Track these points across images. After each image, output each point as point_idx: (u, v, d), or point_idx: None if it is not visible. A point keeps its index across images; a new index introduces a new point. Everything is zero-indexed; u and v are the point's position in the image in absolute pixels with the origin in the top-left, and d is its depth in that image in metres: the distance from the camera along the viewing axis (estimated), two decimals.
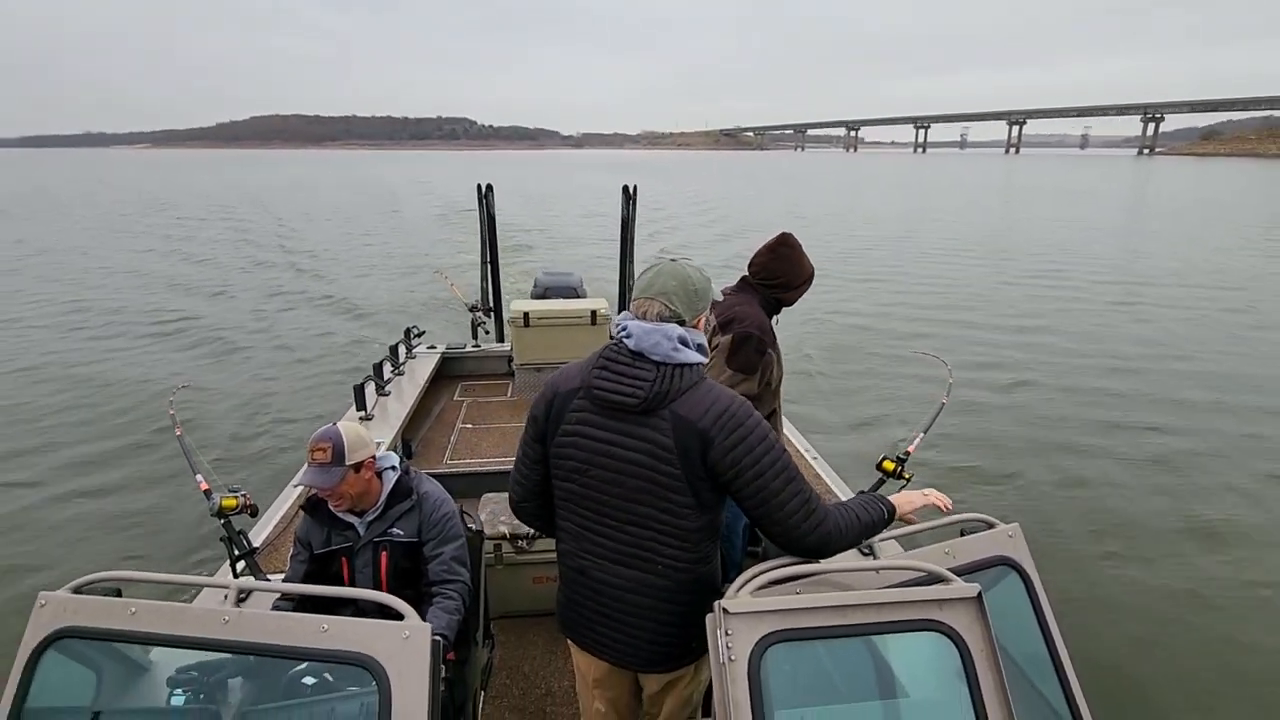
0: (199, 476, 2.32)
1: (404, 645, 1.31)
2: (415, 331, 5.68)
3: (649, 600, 1.60)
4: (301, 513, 2.22)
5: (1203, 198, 42.16)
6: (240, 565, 2.27)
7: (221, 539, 2.25)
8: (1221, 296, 13.47)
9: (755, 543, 2.69)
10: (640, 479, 1.54)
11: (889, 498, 1.69)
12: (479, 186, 6.05)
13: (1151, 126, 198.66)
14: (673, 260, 1.63)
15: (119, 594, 1.46)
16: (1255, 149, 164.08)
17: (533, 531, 3.00)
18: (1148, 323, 11.56)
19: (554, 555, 3.01)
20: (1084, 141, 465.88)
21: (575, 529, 1.67)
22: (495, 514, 3.11)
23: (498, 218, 6.22)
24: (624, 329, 1.57)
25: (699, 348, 1.56)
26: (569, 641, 1.80)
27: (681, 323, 1.56)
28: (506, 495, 3.25)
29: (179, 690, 1.52)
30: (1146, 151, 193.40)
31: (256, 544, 2.45)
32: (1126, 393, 8.06)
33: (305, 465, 2.06)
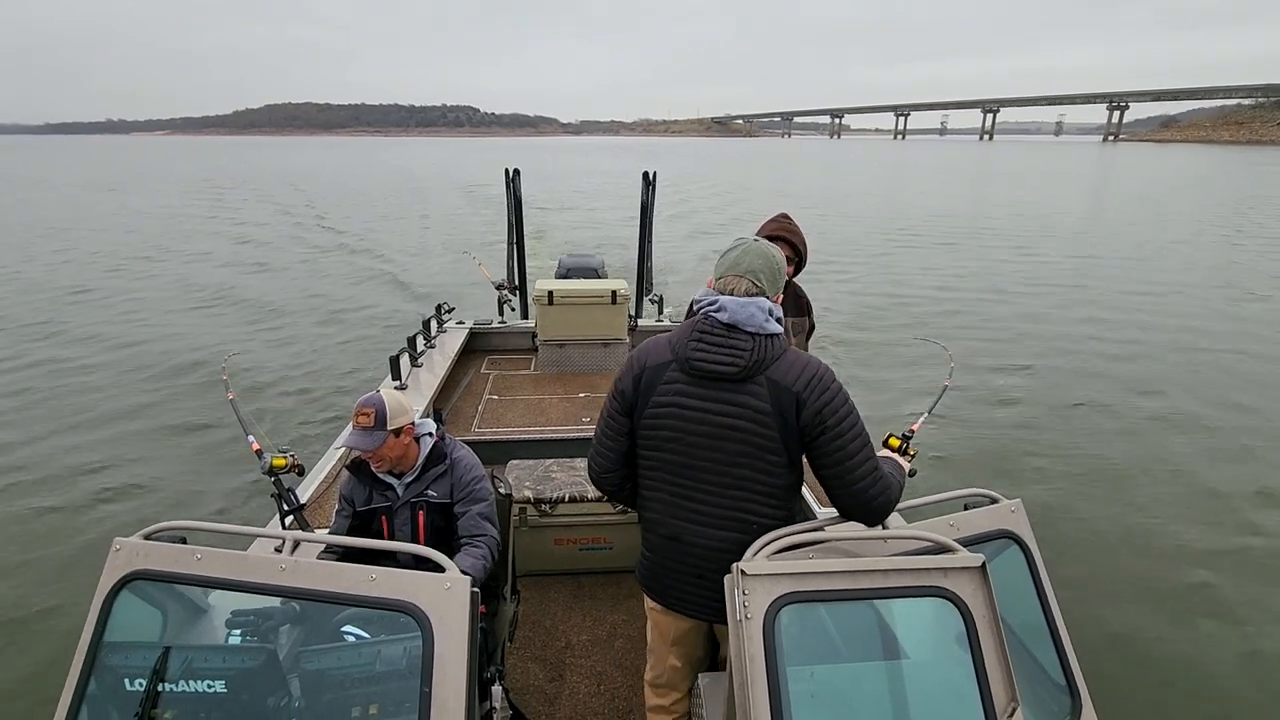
0: (250, 437, 2.31)
1: (446, 595, 1.31)
2: (445, 308, 5.67)
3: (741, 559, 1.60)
4: (345, 471, 2.22)
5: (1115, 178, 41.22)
6: (289, 519, 2.28)
7: (272, 495, 2.26)
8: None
9: None
10: (739, 443, 1.54)
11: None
12: (506, 171, 5.93)
13: (1117, 114, 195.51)
14: (755, 240, 1.62)
15: (184, 542, 1.47)
16: (1209, 136, 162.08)
17: (554, 497, 3.03)
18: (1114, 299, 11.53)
19: (573, 520, 3.09)
20: (1059, 128, 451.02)
21: (668, 497, 1.66)
22: (520, 479, 3.12)
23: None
24: (714, 303, 1.56)
25: (779, 320, 1.58)
26: (650, 604, 1.81)
27: (766, 298, 1.57)
28: (531, 462, 3.30)
29: (236, 630, 1.54)
30: (1111, 138, 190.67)
31: (303, 500, 2.45)
32: (1124, 369, 7.92)
33: (349, 428, 2.05)
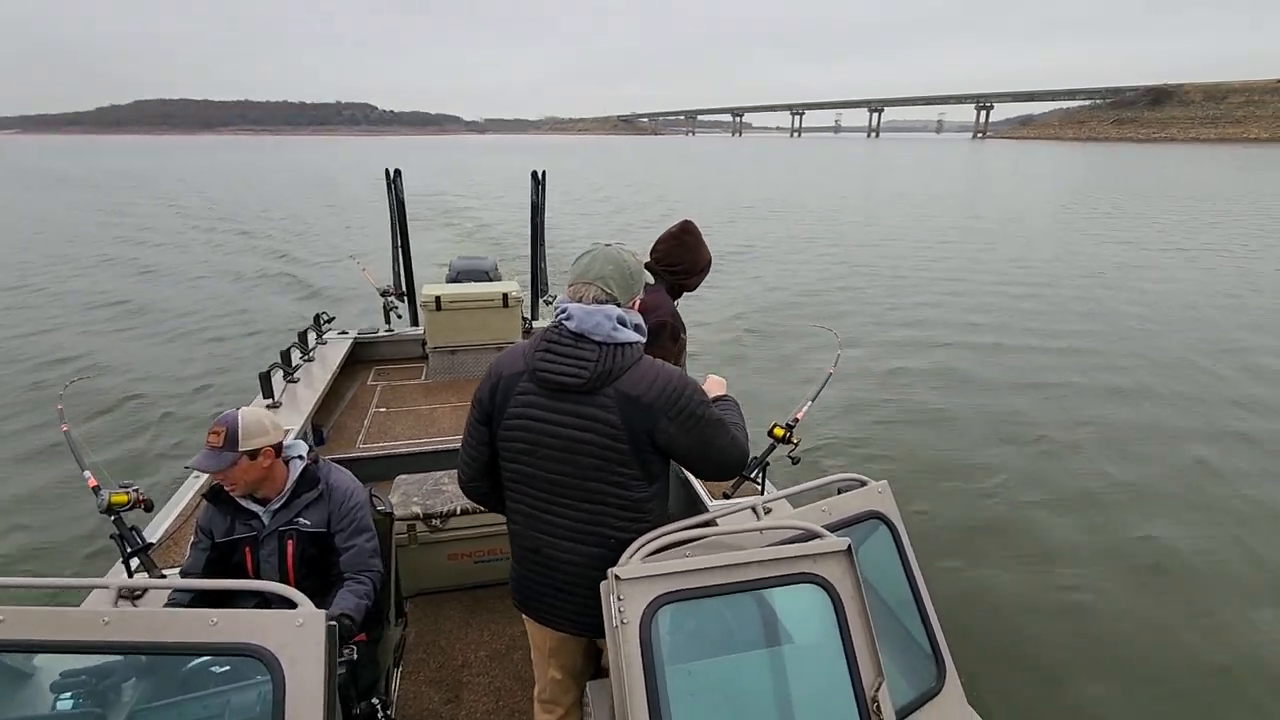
0: (86, 472, 2.05)
1: (297, 633, 1.20)
2: (325, 317, 5.27)
3: (602, 574, 1.52)
4: (204, 501, 2.00)
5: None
6: (134, 563, 2.02)
7: (112, 536, 1.99)
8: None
9: None
10: (590, 456, 1.49)
11: (711, 391, 1.78)
12: (387, 171, 5.63)
13: (984, 114, 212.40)
14: (607, 245, 1.58)
15: None
16: (1056, 134, 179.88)
17: (445, 510, 2.88)
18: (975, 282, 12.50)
19: (467, 533, 2.96)
20: (939, 126, 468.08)
21: (527, 509, 1.60)
22: (408, 495, 2.94)
23: (407, 200, 5.81)
24: (564, 311, 1.50)
25: (636, 327, 1.52)
26: (524, 616, 1.74)
27: (618, 305, 1.52)
28: (419, 476, 3.13)
29: (66, 694, 1.35)
30: (980, 135, 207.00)
31: (154, 539, 2.19)
32: (989, 355, 8.33)
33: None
